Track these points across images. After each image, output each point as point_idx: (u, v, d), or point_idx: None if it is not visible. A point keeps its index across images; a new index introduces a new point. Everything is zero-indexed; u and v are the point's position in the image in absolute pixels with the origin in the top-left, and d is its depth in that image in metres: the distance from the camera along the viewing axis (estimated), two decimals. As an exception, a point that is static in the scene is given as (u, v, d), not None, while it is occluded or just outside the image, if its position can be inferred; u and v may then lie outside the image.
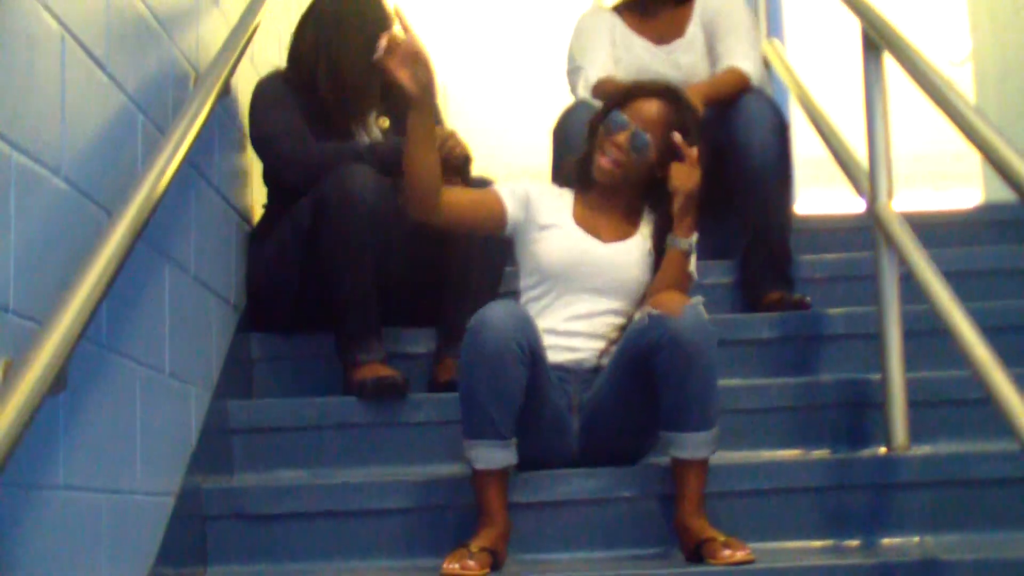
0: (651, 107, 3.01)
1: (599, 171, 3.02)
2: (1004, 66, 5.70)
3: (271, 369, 3.50)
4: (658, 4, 4.04)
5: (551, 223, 3.03)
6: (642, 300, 2.96)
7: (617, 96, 3.10)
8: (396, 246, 3.32)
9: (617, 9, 4.13)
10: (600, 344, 2.96)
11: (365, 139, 3.46)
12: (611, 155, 2.99)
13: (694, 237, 2.96)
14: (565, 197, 3.11)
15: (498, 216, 3.02)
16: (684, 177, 2.93)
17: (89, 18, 2.24)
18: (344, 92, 3.45)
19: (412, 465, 3.16)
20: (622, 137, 2.99)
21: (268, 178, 3.53)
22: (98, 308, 1.94)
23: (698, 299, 2.74)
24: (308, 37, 3.52)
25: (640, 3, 4.08)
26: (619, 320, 2.98)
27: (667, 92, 3.06)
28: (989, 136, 2.55)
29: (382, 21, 3.38)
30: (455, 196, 2.97)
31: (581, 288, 2.98)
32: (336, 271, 3.23)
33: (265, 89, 3.48)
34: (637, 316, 2.80)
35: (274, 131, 3.41)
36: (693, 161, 2.94)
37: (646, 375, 2.74)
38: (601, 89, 3.86)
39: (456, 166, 3.28)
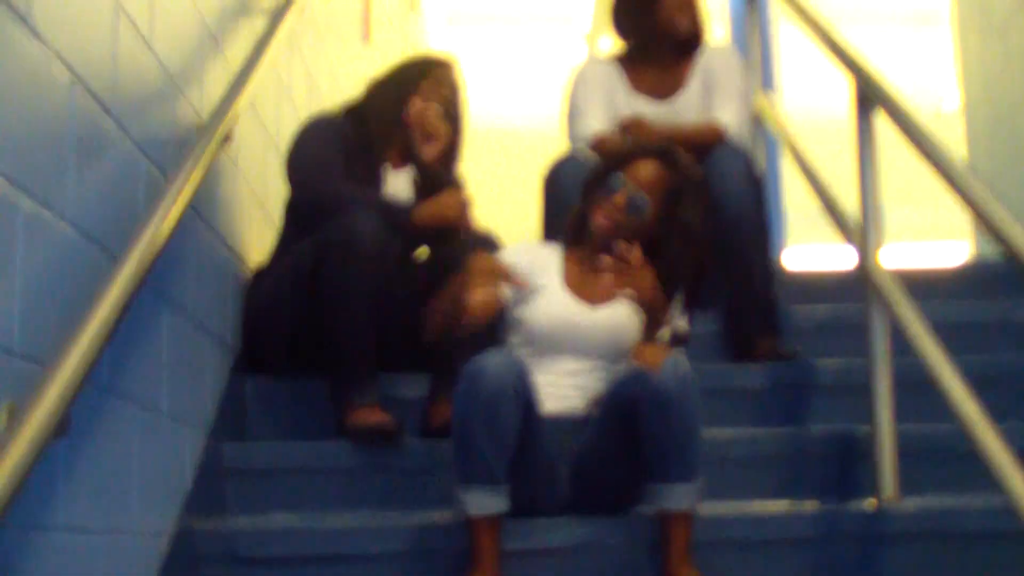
0: (649, 169, 3.05)
1: (596, 229, 3.05)
2: (995, 119, 5.74)
3: (265, 411, 3.51)
4: (660, 55, 4.06)
5: (539, 284, 3.05)
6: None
7: (616, 156, 3.12)
8: (396, 292, 3.36)
9: (616, 61, 4.16)
10: (588, 394, 2.99)
11: (389, 192, 3.58)
12: (609, 215, 3.02)
13: (668, 331, 2.95)
14: (554, 255, 3.13)
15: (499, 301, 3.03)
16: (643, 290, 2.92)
17: (98, 66, 2.27)
18: (368, 137, 3.59)
19: (405, 510, 3.16)
20: (619, 198, 3.02)
21: (289, 209, 3.61)
22: (101, 352, 1.97)
23: (678, 351, 2.76)
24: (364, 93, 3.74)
25: (641, 54, 4.10)
26: (609, 375, 3.01)
27: (665, 154, 3.08)
28: (980, 194, 2.58)
29: (412, 83, 3.64)
30: None
31: (571, 349, 3.00)
32: (336, 314, 3.25)
33: (312, 124, 3.63)
34: (619, 368, 2.81)
35: (304, 159, 3.54)
36: (638, 264, 2.92)
37: (630, 427, 2.76)
38: (600, 145, 3.89)
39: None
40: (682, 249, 3.05)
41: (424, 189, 3.58)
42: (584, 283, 3.07)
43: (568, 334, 2.99)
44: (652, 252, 3.04)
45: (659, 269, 3.01)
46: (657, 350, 2.77)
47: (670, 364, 2.70)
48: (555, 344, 2.99)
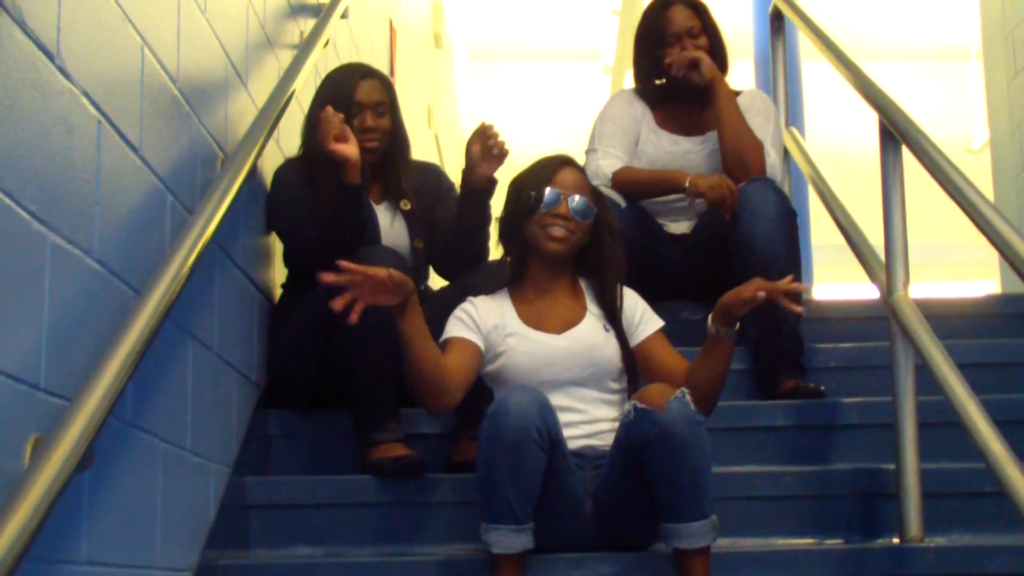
0: (572, 174, 3.10)
1: (550, 246, 3.05)
2: (1021, 156, 5.74)
3: (289, 446, 3.51)
4: (685, 97, 4.06)
5: (508, 333, 3.04)
6: (628, 381, 3.03)
7: (534, 177, 3.11)
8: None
9: (644, 95, 4.17)
10: (602, 427, 2.98)
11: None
12: (558, 227, 3.04)
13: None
14: (504, 303, 3.11)
15: (478, 353, 3.02)
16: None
17: (125, 103, 2.29)
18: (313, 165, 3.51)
19: (428, 545, 3.16)
20: (563, 208, 3.04)
21: (288, 260, 3.60)
22: (125, 386, 1.97)
23: (683, 390, 2.73)
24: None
25: (673, 96, 4.10)
26: (612, 398, 3.02)
27: (571, 159, 3.15)
28: (1004, 231, 2.59)
29: (345, 99, 3.53)
30: (452, 368, 2.92)
31: (556, 384, 2.99)
32: (357, 354, 3.25)
33: (280, 178, 3.55)
34: (626, 408, 2.79)
35: (291, 224, 3.48)
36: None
37: (641, 466, 2.74)
38: (622, 178, 3.90)
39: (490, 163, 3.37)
40: (612, 243, 3.11)
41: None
42: (541, 316, 3.07)
43: (546, 368, 2.98)
44: (586, 260, 3.13)
45: (595, 269, 3.11)
46: (662, 389, 2.75)
47: (675, 402, 2.69)
48: (539, 383, 2.95)
